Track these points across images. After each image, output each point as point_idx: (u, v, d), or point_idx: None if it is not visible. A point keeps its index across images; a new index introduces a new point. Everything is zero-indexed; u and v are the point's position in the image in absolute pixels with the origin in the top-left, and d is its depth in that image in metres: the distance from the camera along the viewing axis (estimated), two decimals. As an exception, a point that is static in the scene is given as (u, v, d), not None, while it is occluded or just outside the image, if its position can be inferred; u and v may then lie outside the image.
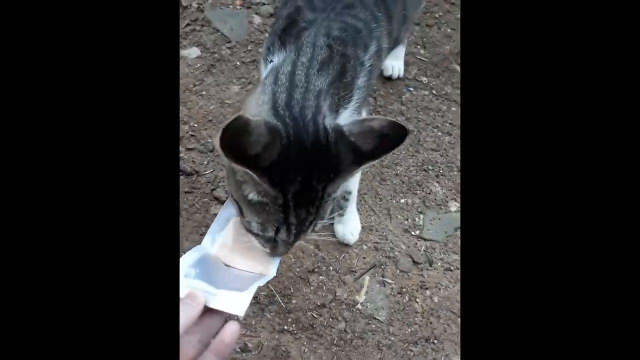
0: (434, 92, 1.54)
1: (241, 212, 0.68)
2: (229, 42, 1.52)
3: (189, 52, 1.48)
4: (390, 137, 0.64)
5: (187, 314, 0.53)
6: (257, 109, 0.70)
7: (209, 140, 1.33)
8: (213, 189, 1.27)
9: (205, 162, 1.30)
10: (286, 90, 0.70)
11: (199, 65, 1.46)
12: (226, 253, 0.69)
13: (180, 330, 0.49)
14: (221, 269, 0.67)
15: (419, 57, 1.61)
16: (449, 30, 1.68)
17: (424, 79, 1.57)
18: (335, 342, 1.12)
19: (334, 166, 0.65)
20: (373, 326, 1.15)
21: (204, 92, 1.41)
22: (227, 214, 0.72)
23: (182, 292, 0.57)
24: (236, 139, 0.58)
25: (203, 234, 1.21)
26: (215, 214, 1.24)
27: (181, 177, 1.27)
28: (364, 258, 1.23)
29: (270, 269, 0.69)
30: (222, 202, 1.25)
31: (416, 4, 1.25)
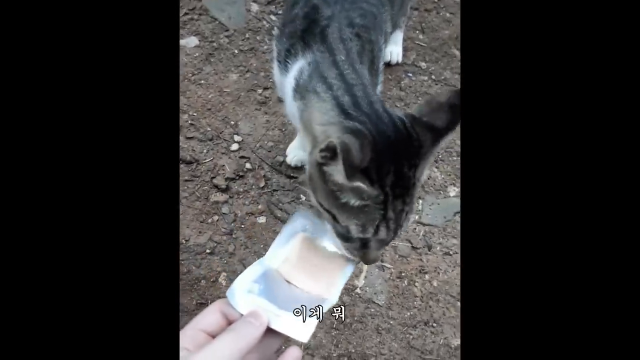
0: (433, 77, 1.54)
1: (334, 220, 0.68)
2: (227, 30, 1.52)
3: (187, 42, 1.48)
4: (459, 105, 0.64)
5: (249, 334, 0.51)
6: (323, 117, 0.70)
7: (208, 129, 1.34)
8: (213, 177, 1.28)
9: (204, 151, 1.31)
10: (346, 91, 0.71)
11: (197, 54, 1.46)
12: (289, 269, 0.66)
13: (242, 351, 0.48)
14: (283, 286, 0.64)
15: (417, 42, 1.61)
16: (447, 14, 1.67)
17: (423, 64, 1.56)
18: (334, 326, 1.13)
19: (416, 151, 0.66)
20: (372, 310, 1.16)
21: (202, 81, 1.42)
22: (291, 229, 0.70)
23: (245, 309, 0.55)
24: (347, 161, 0.59)
25: (204, 222, 1.24)
26: (215, 202, 1.26)
27: (181, 166, 1.29)
28: (363, 243, 1.24)
29: (333, 292, 0.65)
30: (222, 190, 1.27)
31: None
